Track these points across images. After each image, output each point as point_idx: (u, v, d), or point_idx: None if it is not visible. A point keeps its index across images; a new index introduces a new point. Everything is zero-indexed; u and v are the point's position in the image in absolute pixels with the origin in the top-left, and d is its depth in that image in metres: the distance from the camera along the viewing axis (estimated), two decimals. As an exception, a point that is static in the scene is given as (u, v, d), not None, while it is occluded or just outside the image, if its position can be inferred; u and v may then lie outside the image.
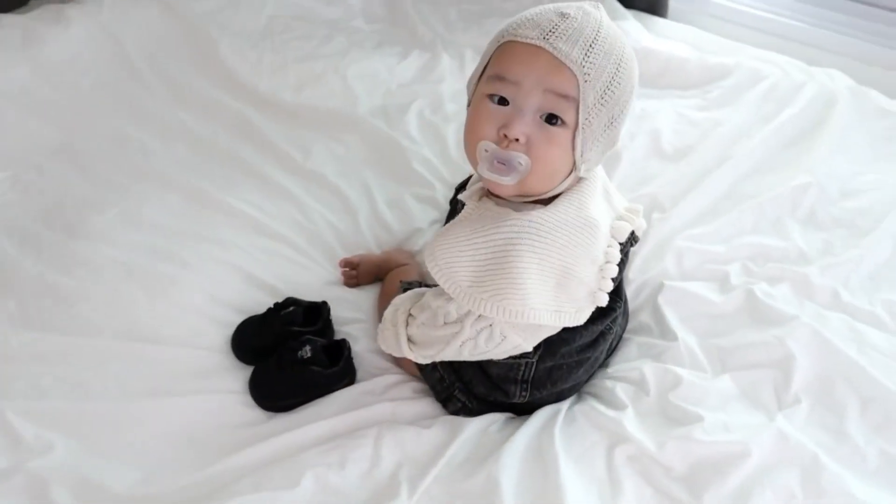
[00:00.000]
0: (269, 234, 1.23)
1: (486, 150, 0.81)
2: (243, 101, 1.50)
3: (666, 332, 1.08)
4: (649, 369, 1.01)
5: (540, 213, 0.83)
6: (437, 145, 1.42)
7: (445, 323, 0.88)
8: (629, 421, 0.95)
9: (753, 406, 0.98)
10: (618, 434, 0.94)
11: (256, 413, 1.01)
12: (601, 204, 0.89)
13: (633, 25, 1.65)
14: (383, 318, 0.96)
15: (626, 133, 1.37)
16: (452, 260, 0.84)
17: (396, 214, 1.30)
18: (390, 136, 1.42)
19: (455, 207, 1.02)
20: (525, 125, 0.80)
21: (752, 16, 1.72)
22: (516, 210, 0.85)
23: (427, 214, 1.29)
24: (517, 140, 0.79)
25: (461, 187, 1.04)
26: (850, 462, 0.91)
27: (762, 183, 1.28)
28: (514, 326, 0.86)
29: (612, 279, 0.87)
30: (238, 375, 1.05)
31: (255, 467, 0.93)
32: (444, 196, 1.32)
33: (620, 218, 0.91)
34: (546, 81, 0.79)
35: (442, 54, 1.62)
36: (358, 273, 1.19)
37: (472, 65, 1.61)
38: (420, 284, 1.06)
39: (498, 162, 0.80)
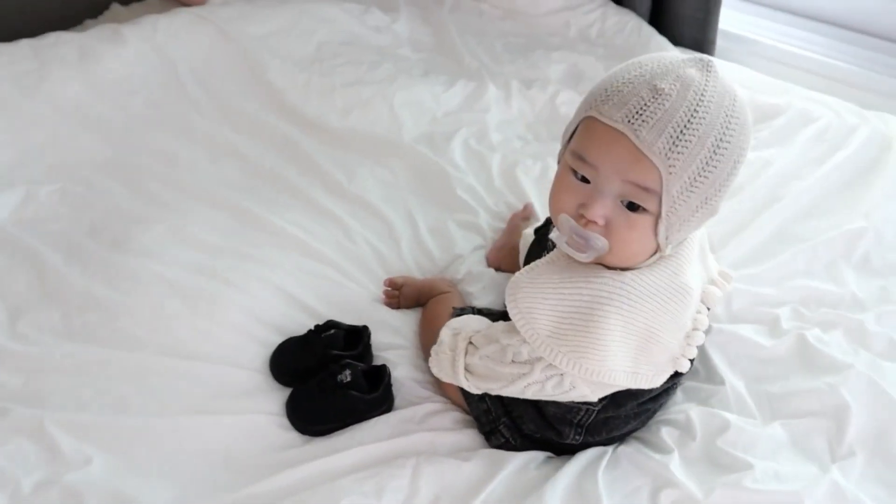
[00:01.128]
0: (312, 256, 1.23)
1: (566, 224, 0.78)
2: (290, 123, 1.51)
3: (713, 376, 1.05)
4: (696, 413, 0.98)
5: (634, 276, 0.79)
6: (482, 173, 1.41)
7: (514, 361, 0.85)
8: (675, 465, 0.92)
9: (805, 456, 0.94)
10: (663, 478, 0.91)
11: (293, 436, 1.00)
12: (696, 267, 0.85)
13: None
14: (440, 341, 0.93)
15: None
16: (535, 305, 0.80)
17: (439, 241, 1.29)
18: (435, 163, 1.42)
19: (542, 241, 1.00)
20: (604, 208, 0.76)
21: (800, 56, 1.71)
22: (608, 266, 0.81)
23: (470, 242, 1.28)
24: (596, 222, 0.76)
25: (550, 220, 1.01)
26: (908, 520, 0.87)
27: (815, 226, 1.25)
28: (585, 380, 0.83)
29: (697, 346, 0.84)
30: (276, 397, 1.04)
31: (291, 492, 0.91)
32: (487, 223, 1.32)
33: (712, 282, 0.88)
34: (625, 172, 0.74)
35: (488, 84, 1.62)
36: (400, 296, 1.18)
37: (518, 96, 1.62)
38: (473, 310, 1.05)
39: (577, 236, 0.77)
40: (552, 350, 0.80)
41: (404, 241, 1.29)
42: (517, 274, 0.84)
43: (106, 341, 1.07)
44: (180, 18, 1.65)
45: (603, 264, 0.82)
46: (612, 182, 0.75)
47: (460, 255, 1.26)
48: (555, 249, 0.85)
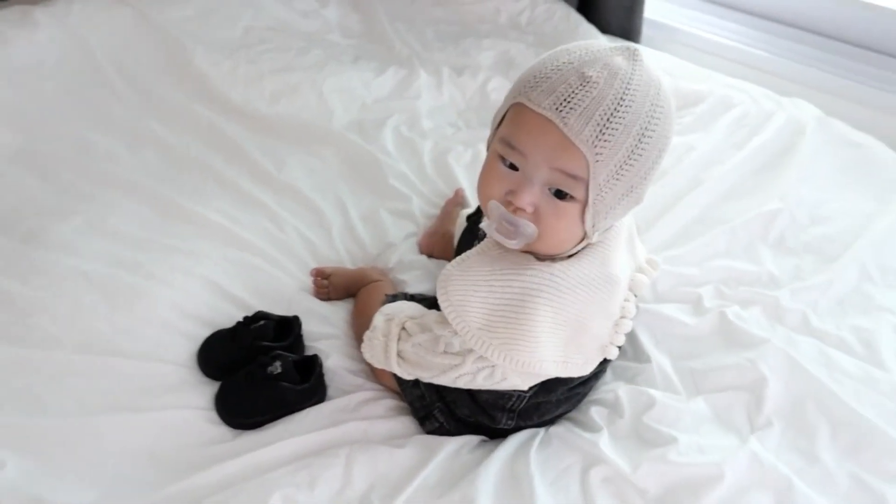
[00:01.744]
0: (239, 246, 1.20)
1: (495, 211, 0.78)
2: (216, 110, 1.47)
3: (640, 355, 1.08)
4: (623, 391, 1.01)
5: (563, 267, 0.80)
6: (414, 160, 1.41)
7: (446, 352, 0.85)
8: (604, 443, 0.94)
9: (726, 428, 0.98)
10: (593, 456, 0.94)
11: (222, 430, 0.98)
12: (624, 256, 0.86)
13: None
14: (373, 326, 0.91)
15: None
16: (466, 298, 0.80)
17: (370, 229, 1.28)
18: (366, 150, 1.40)
19: (474, 228, 1.00)
20: (532, 195, 0.76)
21: (722, 45, 1.76)
22: (538, 257, 0.82)
23: (402, 229, 1.28)
24: (524, 209, 0.76)
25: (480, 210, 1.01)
26: (821, 485, 0.91)
27: (734, 208, 1.30)
28: (516, 371, 0.83)
29: (625, 333, 0.85)
30: (204, 391, 1.01)
31: (220, 487, 0.89)
32: (419, 210, 1.31)
33: (640, 270, 0.89)
34: (553, 160, 0.74)
35: (419, 71, 1.62)
36: (329, 286, 1.16)
37: (449, 83, 1.61)
38: (405, 296, 1.04)
39: (506, 223, 0.77)
40: (483, 343, 0.80)
41: (335, 230, 1.27)
42: (448, 266, 0.83)
43: (19, 340, 1.02)
44: (96, 1, 1.57)
45: (532, 253, 0.82)
46: (540, 169, 0.75)
47: (392, 244, 1.26)
48: (485, 239, 0.85)
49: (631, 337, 1.11)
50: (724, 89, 1.56)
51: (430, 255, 1.23)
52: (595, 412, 1.00)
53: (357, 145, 1.41)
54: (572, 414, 1.02)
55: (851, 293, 1.17)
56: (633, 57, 0.75)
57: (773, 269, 1.20)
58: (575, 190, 0.75)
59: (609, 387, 1.04)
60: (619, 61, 0.74)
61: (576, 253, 0.83)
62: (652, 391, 1.00)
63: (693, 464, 0.91)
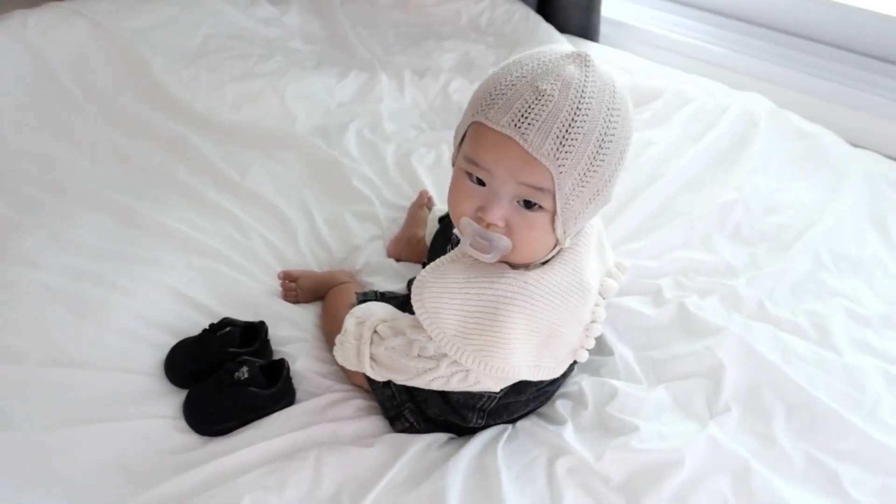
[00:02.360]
0: (204, 253, 1.20)
1: (469, 227, 0.78)
2: (177, 120, 1.47)
3: (603, 347, 1.11)
4: (587, 383, 1.03)
5: (536, 275, 0.81)
6: (377, 163, 1.42)
7: (420, 356, 0.86)
8: (569, 434, 0.97)
9: (686, 415, 1.01)
10: (558, 447, 0.96)
11: (191, 438, 0.98)
12: (594, 261, 0.88)
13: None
14: (344, 330, 0.92)
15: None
16: (441, 305, 0.81)
17: (335, 232, 1.29)
18: (329, 155, 1.41)
19: (446, 230, 1.01)
20: (502, 210, 0.76)
21: (678, 42, 1.80)
22: (512, 265, 0.83)
23: (366, 231, 1.29)
24: (496, 224, 0.77)
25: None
26: (777, 466, 0.94)
27: (691, 200, 1.33)
28: (490, 376, 0.85)
29: (595, 338, 0.87)
30: (171, 400, 1.02)
31: (191, 494, 0.90)
32: (383, 213, 1.32)
33: (609, 275, 0.91)
34: (517, 174, 0.74)
35: (381, 75, 1.63)
36: (297, 289, 1.17)
37: (410, 86, 1.63)
38: (375, 296, 1.05)
39: (480, 238, 0.78)
40: (458, 349, 0.82)
41: (300, 234, 1.28)
42: (423, 272, 0.84)
43: (-19, 355, 1.01)
44: (52, 13, 1.57)
45: (507, 263, 0.84)
46: (507, 184, 0.75)
47: (358, 246, 1.27)
48: (459, 245, 0.85)
49: (594, 330, 1.13)
50: (680, 85, 1.60)
51: (398, 259, 1.24)
52: (560, 405, 1.02)
53: (320, 150, 1.42)
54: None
55: (805, 280, 1.21)
56: (585, 64, 0.75)
57: (729, 258, 1.24)
58: (543, 200, 0.76)
59: (573, 379, 1.06)
60: (572, 70, 0.74)
61: (549, 260, 0.84)
62: (615, 382, 1.03)
63: (654, 450, 0.94)
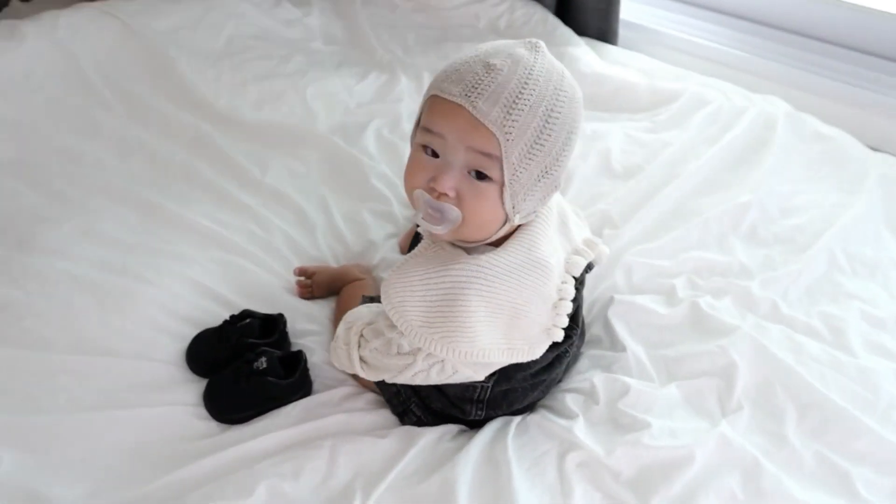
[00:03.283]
0: (225, 247, 1.23)
1: (421, 199, 0.82)
2: (201, 118, 1.50)
3: (615, 344, 1.12)
4: (599, 379, 1.04)
5: (489, 258, 0.84)
6: (395, 162, 1.44)
7: (398, 353, 0.89)
8: (580, 429, 0.98)
9: (698, 413, 1.01)
10: (569, 441, 0.97)
11: (210, 425, 1.01)
12: (554, 240, 0.89)
13: (586, 52, 1.72)
14: (336, 336, 0.97)
15: (579, 153, 1.42)
16: (405, 298, 0.84)
17: (353, 228, 1.31)
18: (348, 153, 1.44)
19: (417, 236, 1.03)
20: (453, 179, 0.80)
21: (696, 45, 1.80)
22: (468, 251, 0.86)
23: (383, 229, 1.31)
24: (446, 194, 0.80)
25: None
26: (788, 465, 0.95)
27: (707, 201, 1.34)
28: (464, 363, 0.87)
29: (567, 315, 0.88)
30: (192, 388, 1.04)
31: (208, 479, 0.92)
32: (399, 211, 1.34)
33: (577, 252, 0.92)
34: (467, 140, 0.78)
35: (400, 75, 1.65)
36: (313, 285, 1.19)
37: (429, 86, 1.65)
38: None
39: (432, 210, 0.81)
40: (426, 339, 0.84)
41: (318, 230, 1.30)
42: (388, 272, 0.88)
43: (12, 342, 1.05)
44: (82, 13, 1.61)
45: (460, 243, 0.87)
46: (458, 151, 0.79)
47: (374, 242, 1.29)
48: (420, 243, 0.90)
49: (607, 327, 1.14)
50: (697, 87, 1.60)
51: None
52: (571, 400, 1.03)
53: (340, 148, 1.45)
54: (549, 402, 1.05)
55: (820, 281, 1.21)
56: (535, 48, 0.81)
57: (744, 259, 1.24)
58: (491, 170, 0.79)
59: (585, 375, 1.07)
60: (522, 52, 0.80)
61: (502, 244, 0.86)
62: (626, 379, 1.04)
63: (665, 447, 0.95)
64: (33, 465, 0.93)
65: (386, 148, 1.48)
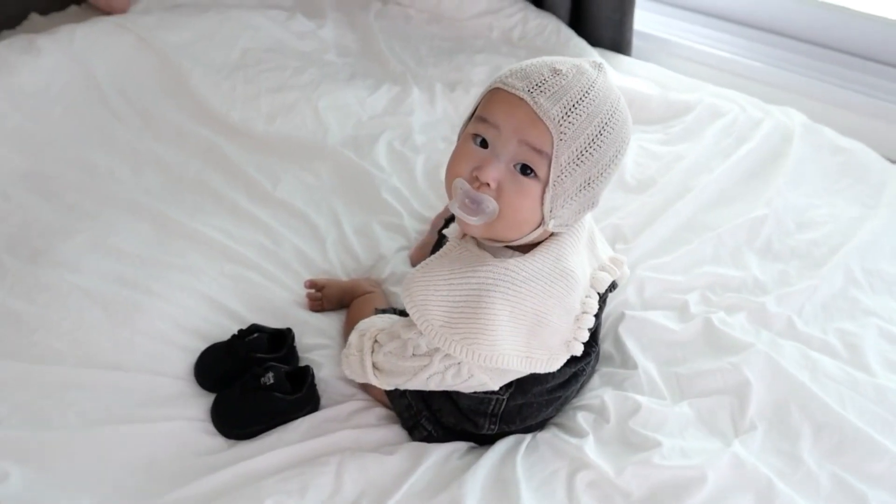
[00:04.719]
0: (236, 261, 1.23)
1: (460, 188, 0.82)
2: (214, 130, 1.51)
3: (626, 361, 1.10)
4: (610, 397, 1.03)
5: (517, 262, 0.84)
6: (406, 175, 1.44)
7: (414, 354, 0.89)
8: (590, 448, 0.96)
9: (710, 432, 1.00)
10: (579, 460, 0.96)
11: (218, 440, 1.01)
12: (582, 254, 0.89)
13: (605, 65, 1.70)
14: (348, 343, 0.97)
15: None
16: (428, 297, 0.84)
17: (363, 242, 1.31)
18: (360, 166, 1.44)
19: (442, 240, 1.03)
20: (497, 171, 0.81)
21: (711, 55, 1.79)
22: (495, 255, 0.86)
23: (394, 242, 1.31)
24: (488, 185, 0.81)
25: (451, 219, 1.05)
26: (803, 487, 0.93)
27: (721, 214, 1.32)
28: (482, 367, 0.87)
29: (588, 329, 0.87)
30: (200, 402, 1.04)
31: (215, 495, 0.92)
32: (410, 224, 1.34)
33: (602, 268, 0.92)
34: (522, 132, 0.80)
35: (412, 87, 1.65)
36: (323, 297, 1.19)
37: (441, 98, 1.65)
38: (394, 311, 1.07)
39: (469, 200, 0.81)
40: (446, 339, 0.84)
41: (329, 243, 1.30)
42: (412, 270, 0.88)
43: (23, 355, 1.06)
44: (99, 27, 1.63)
45: (489, 243, 0.87)
46: (510, 143, 0.80)
47: (384, 256, 1.28)
48: (447, 244, 0.90)
49: (618, 343, 1.13)
50: (712, 99, 1.59)
51: None
52: (581, 418, 1.02)
53: (351, 161, 1.45)
54: (559, 420, 1.04)
55: (837, 298, 1.19)
56: (599, 67, 0.85)
57: (759, 274, 1.22)
58: (538, 167, 0.80)
59: (595, 392, 1.06)
60: (587, 66, 0.84)
61: (531, 251, 0.86)
62: (638, 397, 1.02)
63: (677, 467, 0.93)
64: (41, 480, 0.93)
65: (397, 161, 1.47)
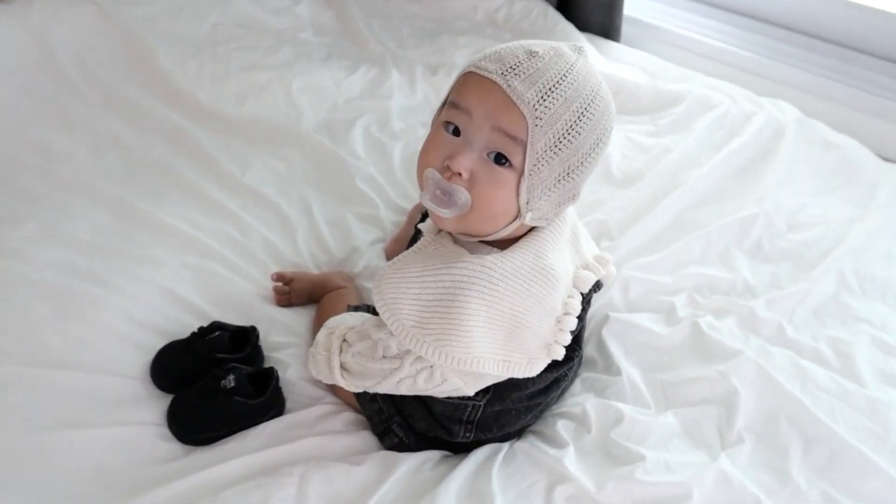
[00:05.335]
0: (199, 252, 1.16)
1: (431, 179, 0.77)
2: (181, 111, 1.43)
3: (610, 366, 1.05)
4: (592, 405, 0.98)
5: (494, 259, 0.79)
6: (383, 163, 1.37)
7: (385, 356, 0.83)
8: (569, 460, 0.92)
9: (696, 444, 0.95)
10: (558, 473, 0.91)
11: (174, 447, 0.94)
12: (564, 251, 0.84)
13: (587, 48, 1.64)
14: (315, 342, 0.91)
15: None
16: (399, 295, 0.78)
17: (336, 234, 1.24)
18: (334, 153, 1.37)
19: (417, 236, 0.98)
20: (469, 160, 0.75)
21: (703, 44, 1.73)
22: (471, 251, 0.81)
23: (369, 234, 1.24)
24: (460, 175, 0.75)
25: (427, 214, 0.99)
26: (791, 505, 0.88)
27: (710, 212, 1.27)
28: (455, 371, 0.81)
29: (571, 332, 0.82)
30: (156, 405, 0.98)
31: (169, 508, 0.86)
32: (386, 216, 1.28)
33: (586, 267, 0.86)
34: (495, 118, 0.75)
35: (392, 70, 1.58)
36: (291, 292, 1.13)
37: (422, 82, 1.58)
38: (367, 308, 1.01)
39: (440, 192, 0.76)
40: (417, 340, 0.78)
41: (300, 235, 1.24)
42: (384, 266, 0.82)
43: (-37, 353, 0.98)
44: (57, -2, 1.53)
45: (464, 238, 0.82)
46: (482, 129, 0.75)
47: (358, 249, 1.22)
48: (420, 239, 0.85)
49: (601, 347, 1.08)
50: (703, 89, 1.54)
51: None
52: (562, 426, 0.97)
53: (325, 147, 1.38)
54: (538, 427, 0.99)
55: (829, 303, 1.15)
56: (579, 50, 0.80)
57: (748, 276, 1.18)
58: (513, 155, 0.75)
59: (577, 399, 1.01)
60: (566, 49, 0.79)
61: (509, 248, 0.81)
62: (621, 405, 0.97)
63: (660, 483, 0.89)
64: (-22, 491, 0.86)
65: (374, 148, 1.41)
